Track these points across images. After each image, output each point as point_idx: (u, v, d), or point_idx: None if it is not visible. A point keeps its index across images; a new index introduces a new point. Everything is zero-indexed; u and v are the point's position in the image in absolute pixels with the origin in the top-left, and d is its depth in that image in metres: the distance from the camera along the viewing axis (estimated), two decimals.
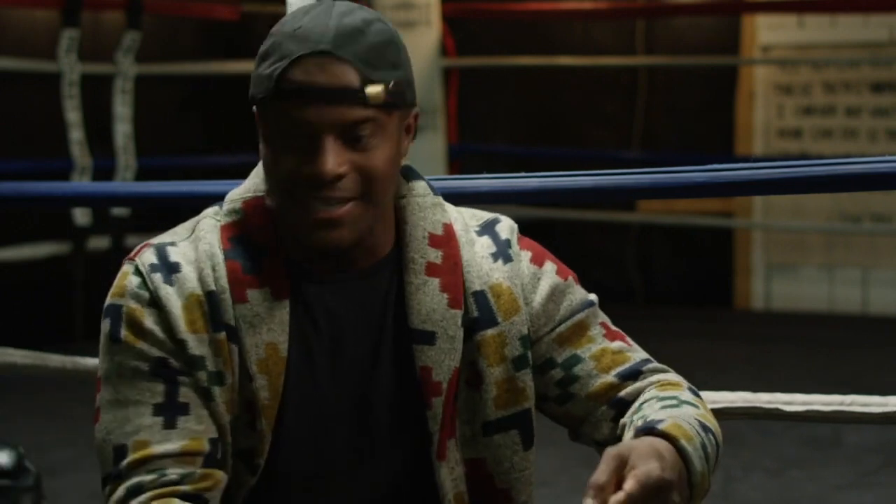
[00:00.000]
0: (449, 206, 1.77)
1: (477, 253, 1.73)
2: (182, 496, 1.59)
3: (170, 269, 1.64)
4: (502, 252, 1.74)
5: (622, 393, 1.74)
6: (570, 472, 4.59)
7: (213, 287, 1.63)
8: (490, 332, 1.71)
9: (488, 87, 7.98)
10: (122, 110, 6.71)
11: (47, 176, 5.84)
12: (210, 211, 1.72)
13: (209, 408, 1.62)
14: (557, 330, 1.75)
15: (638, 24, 7.80)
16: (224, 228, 1.68)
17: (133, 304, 1.63)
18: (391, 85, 1.61)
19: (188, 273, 1.64)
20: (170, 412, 1.61)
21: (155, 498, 1.59)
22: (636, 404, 1.71)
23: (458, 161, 7.37)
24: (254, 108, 1.65)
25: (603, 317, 1.80)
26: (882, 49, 7.40)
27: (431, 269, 1.69)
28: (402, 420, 1.69)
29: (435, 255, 1.70)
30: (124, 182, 6.41)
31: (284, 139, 1.60)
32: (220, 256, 1.65)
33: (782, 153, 7.53)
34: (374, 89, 1.59)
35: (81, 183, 6.07)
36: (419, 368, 1.68)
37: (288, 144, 1.60)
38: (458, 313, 1.69)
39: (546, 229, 7.79)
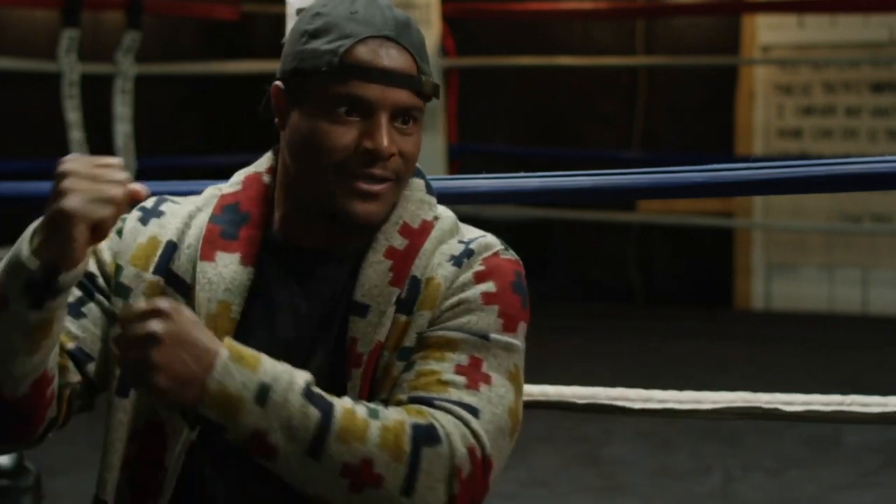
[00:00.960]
0: (444, 210, 1.81)
1: (440, 251, 1.76)
2: None
3: (153, 213, 1.82)
4: (458, 258, 1.75)
5: None
6: (570, 472, 4.59)
7: (174, 238, 1.78)
8: (402, 317, 1.72)
9: (488, 87, 7.99)
10: (122, 110, 6.71)
11: (47, 176, 5.83)
12: (221, 184, 1.86)
13: (110, 333, 1.75)
14: (432, 333, 1.70)
15: (638, 24, 7.80)
16: (222, 197, 1.81)
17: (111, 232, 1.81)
18: (432, 80, 1.74)
19: (164, 222, 1.80)
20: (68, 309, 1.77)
21: None
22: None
23: (458, 161, 7.37)
24: (279, 82, 1.73)
25: (484, 357, 1.69)
26: (882, 49, 7.40)
27: (390, 252, 1.74)
28: (330, 391, 1.69)
29: (400, 242, 1.75)
30: None
31: (337, 113, 1.69)
32: (202, 217, 1.79)
33: (782, 153, 7.54)
34: (427, 80, 1.73)
35: None
36: (349, 339, 1.72)
37: (340, 118, 1.69)
38: (396, 291, 1.71)
39: (545, 229, 7.80)
